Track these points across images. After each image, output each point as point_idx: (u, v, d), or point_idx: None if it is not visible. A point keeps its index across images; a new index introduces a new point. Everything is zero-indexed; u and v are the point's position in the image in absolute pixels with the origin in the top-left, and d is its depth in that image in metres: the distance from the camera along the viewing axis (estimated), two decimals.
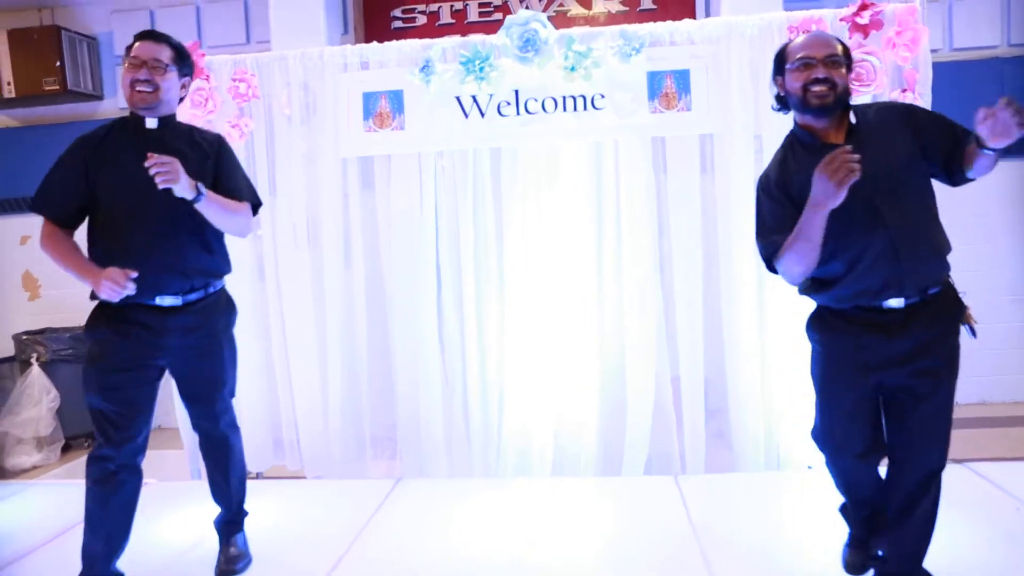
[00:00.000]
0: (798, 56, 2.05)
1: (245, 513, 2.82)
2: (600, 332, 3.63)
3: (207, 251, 2.47)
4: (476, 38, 3.56)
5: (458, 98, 3.57)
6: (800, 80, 2.02)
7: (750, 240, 2.42)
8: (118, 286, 2.19)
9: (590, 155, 3.59)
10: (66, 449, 4.92)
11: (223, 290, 2.62)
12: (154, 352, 2.42)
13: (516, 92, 3.55)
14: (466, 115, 3.57)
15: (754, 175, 2.99)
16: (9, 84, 5.12)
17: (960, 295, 2.05)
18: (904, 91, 3.37)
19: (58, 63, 5.04)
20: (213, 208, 2.36)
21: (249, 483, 2.95)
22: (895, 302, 1.98)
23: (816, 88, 2.00)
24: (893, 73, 3.39)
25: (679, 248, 3.55)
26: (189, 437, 3.77)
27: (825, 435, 2.18)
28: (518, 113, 3.56)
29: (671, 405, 3.58)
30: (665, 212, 3.58)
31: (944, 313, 2.04)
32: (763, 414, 3.49)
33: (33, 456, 4.79)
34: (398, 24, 5.19)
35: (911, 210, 1.99)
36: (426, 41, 3.60)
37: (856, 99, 3.30)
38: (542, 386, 3.62)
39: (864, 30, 3.35)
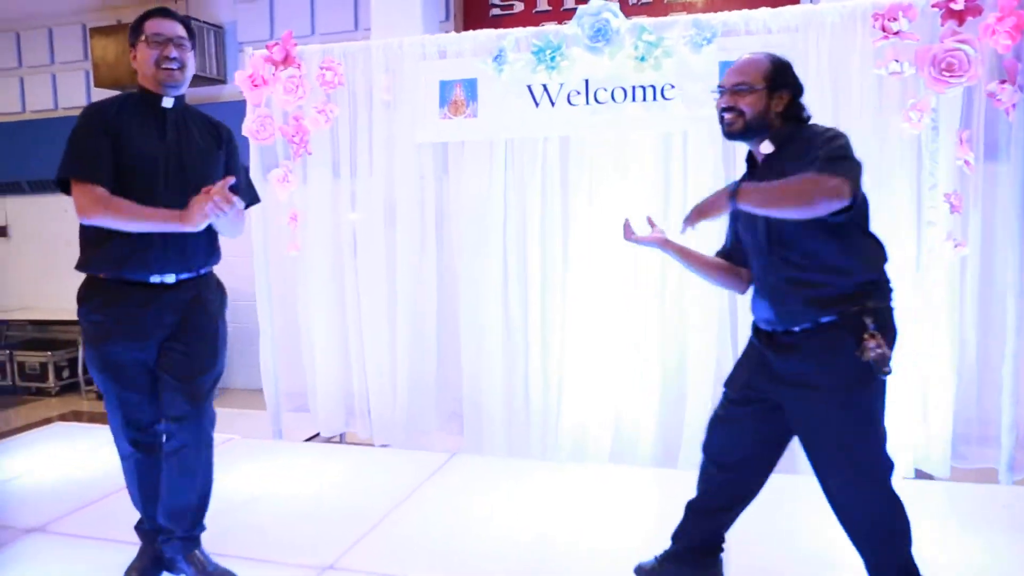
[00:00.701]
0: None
1: (203, 528, 2.44)
2: (662, 324, 3.62)
3: (210, 239, 2.40)
4: (549, 28, 3.61)
5: (529, 87, 3.63)
6: (718, 109, 2.10)
7: None
8: (227, 202, 2.12)
9: (658, 146, 3.57)
10: None
11: (212, 273, 2.50)
12: (152, 329, 2.32)
13: (586, 82, 3.57)
14: (536, 104, 3.64)
15: None
16: None
17: (868, 328, 1.85)
18: (1003, 83, 3.12)
19: None
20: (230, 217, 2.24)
21: (314, 445, 3.11)
22: (766, 327, 2.07)
23: (725, 116, 2.06)
24: (991, 63, 3.15)
25: None
26: (273, 397, 4.10)
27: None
28: (587, 103, 3.58)
29: None
30: None
31: (837, 343, 1.90)
32: None
33: None
34: (496, 12, 5.27)
35: (791, 252, 1.97)
36: (500, 31, 3.68)
37: (948, 91, 3.12)
38: (602, 374, 3.66)
39: (959, 16, 3.12)
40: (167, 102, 2.33)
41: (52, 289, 6.39)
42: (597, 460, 3.65)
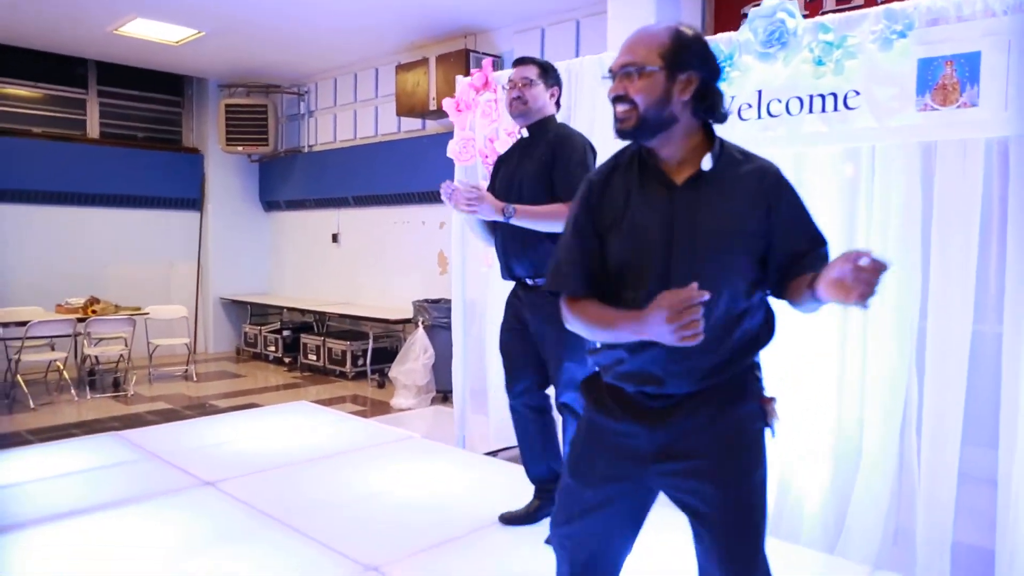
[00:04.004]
0: None
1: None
2: (840, 374, 3.03)
3: (531, 248, 2.80)
4: (721, 37, 3.26)
5: None
6: (609, 97, 1.57)
7: None
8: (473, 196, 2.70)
9: (842, 164, 2.99)
10: (433, 401, 5.97)
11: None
12: (521, 321, 2.90)
13: (759, 93, 3.15)
14: None
15: None
16: (433, 99, 6.33)
17: (761, 384, 1.57)
18: None
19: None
20: (524, 220, 2.71)
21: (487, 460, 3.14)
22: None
23: (616, 108, 1.54)
24: None
25: (951, 284, 2.73)
26: (460, 404, 4.32)
27: None
28: (759, 116, 3.15)
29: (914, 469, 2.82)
30: (934, 235, 2.78)
31: (731, 401, 1.54)
32: None
33: (410, 400, 5.95)
34: None
35: (720, 288, 1.46)
36: None
37: None
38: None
39: None
40: (524, 132, 2.95)
41: (368, 289, 7.54)
42: (816, 547, 3.14)
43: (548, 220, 2.70)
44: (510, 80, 2.89)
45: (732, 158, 1.56)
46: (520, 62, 2.92)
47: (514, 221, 2.70)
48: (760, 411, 1.54)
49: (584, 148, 2.83)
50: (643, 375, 1.52)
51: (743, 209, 1.51)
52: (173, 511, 3.18)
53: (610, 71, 1.56)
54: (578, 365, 2.81)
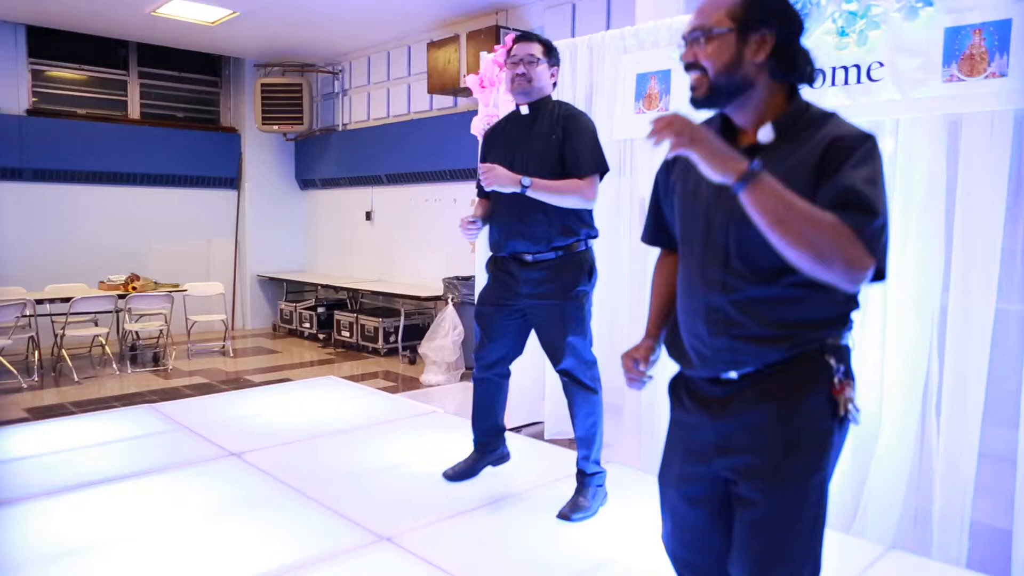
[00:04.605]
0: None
1: (591, 470, 2.96)
2: (858, 350, 2.97)
3: (549, 222, 2.81)
4: None
5: None
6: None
7: None
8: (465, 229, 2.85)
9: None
10: (462, 377, 6.02)
11: (577, 251, 2.86)
12: (512, 296, 2.93)
13: None
14: None
15: None
16: (464, 76, 6.33)
17: (836, 371, 1.39)
18: None
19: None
20: (540, 193, 2.74)
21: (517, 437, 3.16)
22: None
23: (689, 75, 1.45)
24: None
25: (975, 261, 2.65)
26: (516, 384, 4.30)
27: None
28: None
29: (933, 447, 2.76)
30: (958, 211, 2.71)
31: (792, 392, 1.39)
32: None
33: (439, 376, 6.01)
34: None
35: (767, 263, 1.36)
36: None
37: None
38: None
39: None
40: (523, 109, 2.95)
41: (400, 266, 7.61)
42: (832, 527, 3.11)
43: (565, 194, 2.76)
44: (512, 55, 2.89)
45: (808, 123, 1.40)
46: (523, 38, 2.92)
47: (530, 193, 2.73)
48: (829, 403, 1.39)
49: (593, 126, 2.87)
50: (691, 350, 1.49)
51: (796, 180, 1.31)
52: (199, 480, 3.28)
53: (683, 37, 1.47)
54: (580, 338, 2.86)
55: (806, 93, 1.46)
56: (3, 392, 5.45)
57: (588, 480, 2.97)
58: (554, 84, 2.99)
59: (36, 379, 5.83)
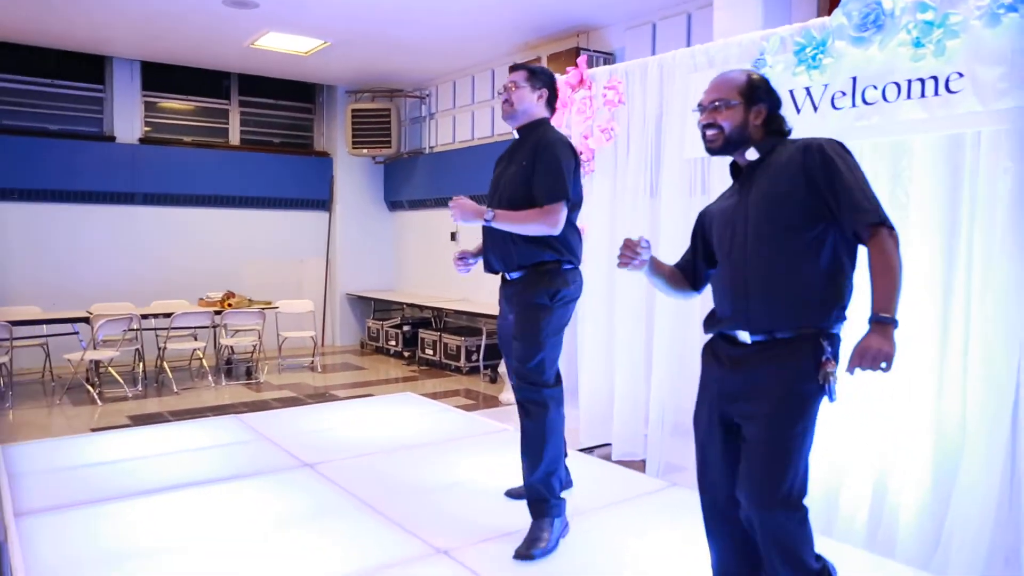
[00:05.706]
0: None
1: (544, 498, 2.80)
2: (939, 381, 2.82)
3: (513, 244, 2.80)
4: (814, 22, 3.12)
5: (791, 92, 3.19)
6: (699, 126, 2.12)
7: None
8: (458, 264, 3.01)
9: (943, 153, 2.80)
10: None
11: (544, 270, 2.80)
12: (503, 308, 2.97)
13: (853, 80, 3.00)
14: (798, 110, 3.18)
15: None
16: None
17: (826, 352, 1.87)
18: None
19: None
20: (504, 224, 2.76)
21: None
22: (742, 335, 1.98)
23: (706, 133, 2.07)
24: None
25: None
26: (586, 404, 4.34)
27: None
28: (854, 104, 2.99)
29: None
30: None
31: (789, 360, 1.89)
32: None
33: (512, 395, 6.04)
34: None
35: (771, 250, 1.94)
36: (765, 32, 3.31)
37: None
38: (860, 433, 3.02)
39: None
40: (515, 134, 2.97)
41: (484, 287, 7.71)
42: (846, 539, 3.00)
43: (522, 224, 2.75)
44: (503, 86, 2.94)
45: (783, 147, 2.00)
46: (511, 69, 2.96)
47: (495, 225, 2.75)
48: (816, 371, 1.84)
49: (559, 156, 2.76)
50: (719, 316, 2.04)
51: (782, 182, 1.94)
52: (273, 488, 3.42)
53: (699, 105, 2.09)
54: (524, 345, 2.80)
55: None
56: (110, 400, 5.84)
57: (539, 508, 2.80)
58: (550, 107, 2.96)
59: (140, 389, 6.23)
